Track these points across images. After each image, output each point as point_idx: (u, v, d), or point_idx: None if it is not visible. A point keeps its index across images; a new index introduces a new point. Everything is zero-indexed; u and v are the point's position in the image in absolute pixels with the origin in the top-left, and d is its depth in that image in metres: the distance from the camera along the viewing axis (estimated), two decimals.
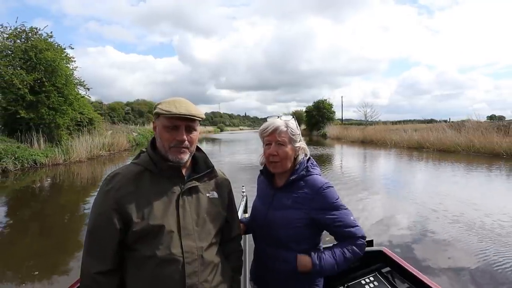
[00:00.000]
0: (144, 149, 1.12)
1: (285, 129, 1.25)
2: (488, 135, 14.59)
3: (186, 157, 1.05)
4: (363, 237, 1.23)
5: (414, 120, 28.49)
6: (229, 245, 1.22)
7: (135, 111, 65.51)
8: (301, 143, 1.31)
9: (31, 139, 11.53)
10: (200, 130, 1.13)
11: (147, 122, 37.77)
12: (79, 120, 14.33)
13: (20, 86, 11.07)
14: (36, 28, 12.72)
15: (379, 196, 6.76)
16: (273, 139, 1.26)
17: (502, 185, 7.99)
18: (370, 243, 1.78)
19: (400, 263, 1.60)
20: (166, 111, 0.99)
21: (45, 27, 13.07)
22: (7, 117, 11.71)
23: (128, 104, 70.17)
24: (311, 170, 1.29)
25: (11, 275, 3.37)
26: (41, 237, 4.56)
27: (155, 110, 1.04)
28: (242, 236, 1.42)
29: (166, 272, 0.96)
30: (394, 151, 17.10)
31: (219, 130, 77.95)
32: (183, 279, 0.96)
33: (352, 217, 1.24)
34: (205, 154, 1.19)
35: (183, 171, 1.09)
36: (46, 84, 11.88)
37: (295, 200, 1.25)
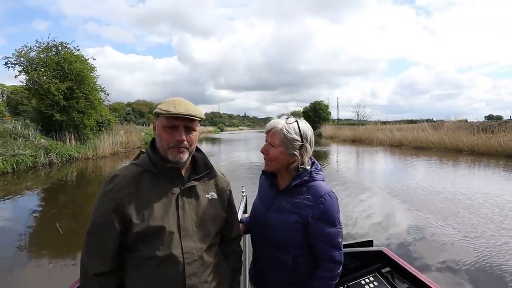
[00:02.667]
0: (143, 150, 1.14)
1: (280, 131, 1.22)
2: (458, 134, 16.73)
3: (185, 157, 1.06)
4: (340, 264, 1.16)
5: (412, 120, 29.88)
6: (228, 246, 1.23)
7: (136, 112, 66.43)
8: (299, 152, 1.24)
9: (63, 138, 13.64)
10: (200, 130, 1.13)
11: (151, 123, 39.00)
12: (100, 121, 16.46)
13: (56, 93, 13.20)
14: (66, 43, 14.92)
15: (344, 173, 9.22)
16: (267, 138, 1.27)
17: (439, 171, 10.37)
18: (370, 243, 1.78)
19: (400, 263, 1.57)
20: (165, 110, 1.00)
21: (72, 41, 15.09)
22: (43, 119, 13.82)
23: (128, 104, 70.88)
24: (315, 175, 1.25)
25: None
26: (79, 210, 6.26)
27: (155, 110, 1.04)
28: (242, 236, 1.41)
29: (166, 272, 0.97)
30: (378, 148, 19.36)
31: (219, 130, 79.35)
32: (183, 280, 0.98)
33: (340, 239, 1.19)
34: (204, 154, 1.19)
35: (183, 172, 1.10)
36: (77, 91, 14.01)
37: (294, 205, 1.22)
